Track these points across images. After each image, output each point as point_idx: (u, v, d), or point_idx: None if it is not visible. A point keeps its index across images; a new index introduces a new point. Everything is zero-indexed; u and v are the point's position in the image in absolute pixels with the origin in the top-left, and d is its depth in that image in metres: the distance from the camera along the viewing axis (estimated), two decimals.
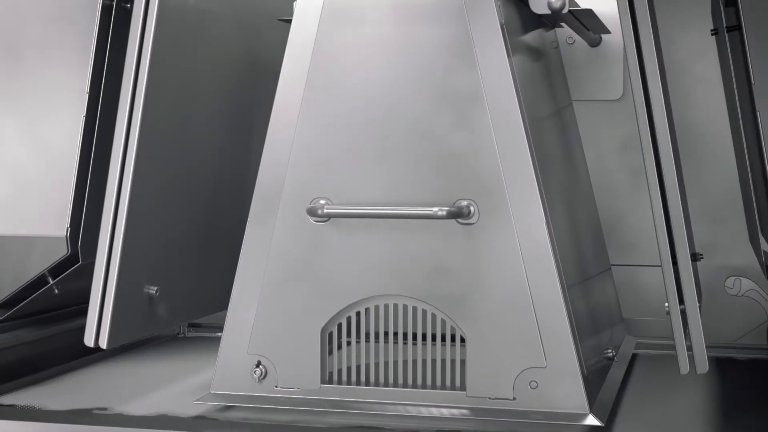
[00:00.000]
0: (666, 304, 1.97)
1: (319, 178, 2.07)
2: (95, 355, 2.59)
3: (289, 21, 2.16)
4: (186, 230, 2.33)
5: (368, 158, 2.05)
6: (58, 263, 2.27)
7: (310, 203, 2.05)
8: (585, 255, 2.42)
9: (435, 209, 1.96)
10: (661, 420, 2.16)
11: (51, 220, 2.25)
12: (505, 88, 1.99)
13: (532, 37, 2.32)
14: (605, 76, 2.90)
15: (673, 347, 2.02)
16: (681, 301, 1.92)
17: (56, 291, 2.32)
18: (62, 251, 2.25)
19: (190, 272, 2.35)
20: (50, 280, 2.30)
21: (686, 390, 2.37)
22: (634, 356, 2.75)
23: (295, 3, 2.18)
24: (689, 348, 1.98)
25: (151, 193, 2.15)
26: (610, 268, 2.78)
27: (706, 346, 2.79)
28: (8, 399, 2.30)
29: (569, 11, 2.20)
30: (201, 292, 2.40)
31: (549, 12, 2.17)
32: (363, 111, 2.05)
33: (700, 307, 1.98)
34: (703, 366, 1.92)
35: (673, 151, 2.43)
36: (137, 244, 2.10)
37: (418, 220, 2.01)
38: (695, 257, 2.73)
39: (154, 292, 2.16)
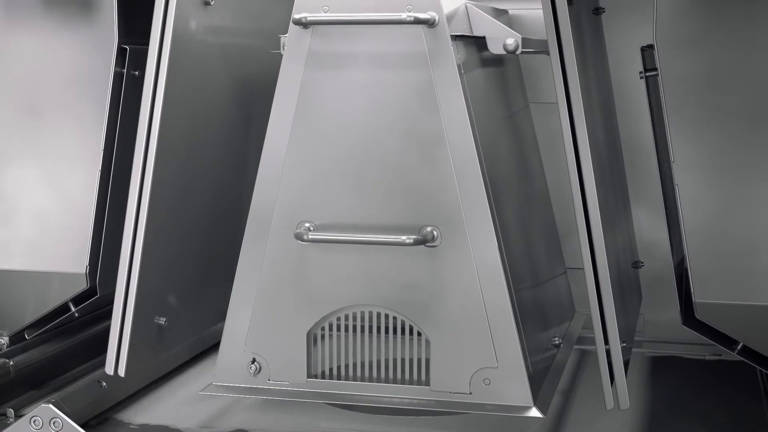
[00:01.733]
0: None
1: (304, 204, 2.39)
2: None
3: (278, 54, 2.47)
4: (189, 265, 2.66)
5: (347, 188, 2.37)
6: (78, 295, 2.62)
7: (297, 228, 2.38)
8: (537, 259, 2.76)
9: (404, 238, 2.30)
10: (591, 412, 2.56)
11: (72, 258, 2.58)
12: (463, 131, 2.30)
13: (491, 54, 2.63)
14: None
15: None
16: (606, 341, 2.24)
17: (76, 315, 2.68)
18: (82, 285, 2.59)
19: (193, 300, 2.68)
20: (72, 308, 2.65)
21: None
22: (584, 351, 3.13)
23: (282, 37, 2.48)
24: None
25: (162, 237, 2.46)
26: (563, 261, 3.13)
27: (648, 341, 3.19)
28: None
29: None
30: (202, 313, 2.74)
31: (505, 53, 2.49)
32: (343, 147, 2.36)
33: (625, 347, 2.31)
34: (624, 403, 2.24)
35: (610, 165, 2.76)
36: (149, 284, 2.41)
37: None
38: (636, 265, 3.10)
39: (163, 322, 2.50)
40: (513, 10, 3.22)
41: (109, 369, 2.41)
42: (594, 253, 2.22)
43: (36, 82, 2.59)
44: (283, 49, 2.43)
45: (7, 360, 2.64)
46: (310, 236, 2.35)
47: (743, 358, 2.35)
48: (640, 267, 3.16)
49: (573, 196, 2.23)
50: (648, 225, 3.22)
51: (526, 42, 2.53)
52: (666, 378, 2.96)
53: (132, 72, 2.58)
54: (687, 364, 3.08)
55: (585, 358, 3.14)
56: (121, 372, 2.41)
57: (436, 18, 2.28)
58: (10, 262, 2.63)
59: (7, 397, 2.66)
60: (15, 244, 2.63)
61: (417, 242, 2.31)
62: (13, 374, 2.65)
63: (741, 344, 2.33)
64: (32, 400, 2.72)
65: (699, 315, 2.29)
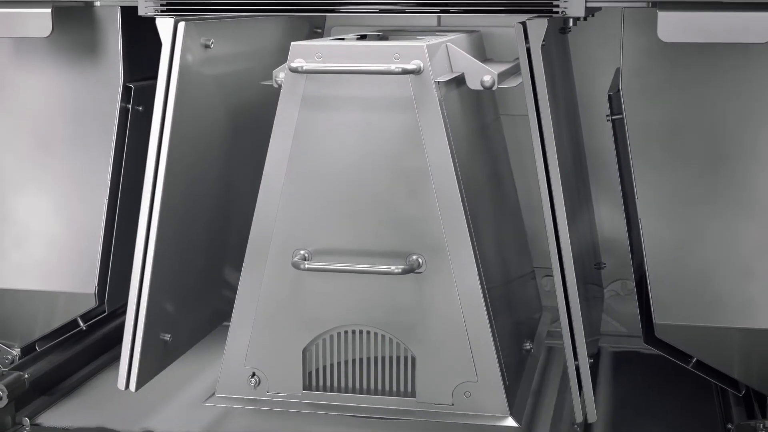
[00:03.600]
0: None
1: (299, 234, 2.59)
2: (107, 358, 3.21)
3: (270, 85, 2.67)
4: (190, 283, 2.86)
5: (340, 220, 2.58)
6: (87, 313, 2.83)
7: (293, 256, 2.59)
8: (509, 269, 3.00)
9: (393, 267, 2.52)
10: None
11: (82, 279, 2.79)
12: (445, 166, 2.51)
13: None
14: None
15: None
16: (576, 358, 2.48)
17: (84, 329, 2.89)
18: (91, 303, 2.80)
19: (192, 315, 2.89)
20: (81, 323, 2.87)
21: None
22: (550, 348, 3.38)
23: (274, 71, 2.67)
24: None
25: (168, 259, 2.65)
26: (531, 261, 3.38)
27: (609, 334, 3.45)
28: (47, 419, 2.88)
29: None
30: (199, 325, 2.95)
31: (482, 89, 2.69)
32: (335, 182, 2.56)
33: (590, 363, 2.55)
34: (592, 416, 2.48)
35: (575, 173, 2.99)
36: (157, 304, 2.61)
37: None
38: (599, 266, 3.35)
39: (168, 338, 2.71)
40: (484, 28, 3.43)
41: (120, 385, 2.62)
42: (564, 273, 2.44)
43: (47, 117, 2.77)
44: (276, 83, 2.62)
45: (21, 373, 2.85)
46: (306, 265, 2.57)
47: (696, 371, 2.61)
48: (603, 268, 3.42)
49: (545, 215, 2.46)
50: (610, 225, 3.47)
51: (501, 77, 2.74)
52: (627, 374, 3.22)
53: (136, 107, 2.76)
54: (646, 359, 3.34)
55: (552, 354, 3.39)
56: (132, 387, 2.62)
57: (422, 66, 2.48)
58: (24, 282, 2.83)
59: (21, 406, 2.87)
60: (28, 266, 2.83)
61: (405, 271, 2.53)
62: (27, 385, 2.86)
63: (695, 359, 2.59)
64: (44, 407, 2.93)
65: (658, 334, 2.54)
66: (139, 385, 2.63)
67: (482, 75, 2.68)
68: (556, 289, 2.46)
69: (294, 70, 2.51)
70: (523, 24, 2.43)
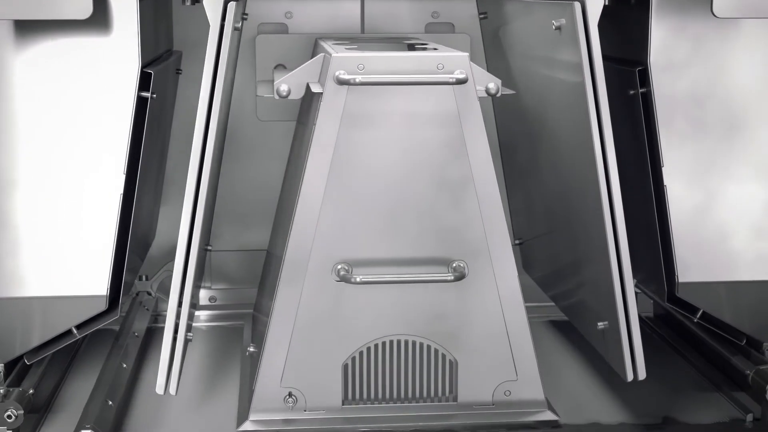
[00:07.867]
0: (599, 323, 2.70)
1: (340, 247, 2.56)
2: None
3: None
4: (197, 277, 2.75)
5: (381, 231, 2.57)
6: (99, 315, 2.64)
7: (339, 272, 2.56)
8: None
9: (447, 275, 2.56)
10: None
11: (93, 281, 2.58)
12: (487, 172, 2.56)
13: None
14: None
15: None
16: (627, 321, 2.56)
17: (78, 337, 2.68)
18: (101, 307, 2.60)
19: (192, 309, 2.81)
20: (75, 331, 2.65)
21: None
22: None
23: (276, 83, 2.59)
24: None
25: (200, 260, 2.56)
26: None
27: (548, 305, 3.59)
28: None
29: None
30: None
31: (486, 96, 2.74)
32: (377, 196, 2.55)
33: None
34: (642, 372, 2.58)
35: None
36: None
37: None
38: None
39: (190, 337, 2.61)
40: (413, 35, 3.48)
41: (160, 389, 2.51)
42: (618, 243, 2.55)
43: (54, 107, 2.55)
44: (277, 94, 2.56)
45: (24, 390, 2.60)
46: (359, 279, 2.54)
47: (703, 323, 2.82)
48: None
49: (600, 188, 2.55)
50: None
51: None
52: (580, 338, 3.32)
53: (152, 96, 2.60)
54: None
55: None
56: (172, 390, 2.51)
57: (466, 75, 2.51)
58: (29, 288, 2.59)
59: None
60: (33, 269, 2.60)
61: (457, 278, 2.57)
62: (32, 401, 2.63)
63: (701, 311, 2.79)
64: (36, 422, 2.69)
65: (680, 293, 2.74)
66: (177, 388, 2.53)
67: (487, 82, 2.73)
68: (610, 253, 2.55)
69: (344, 82, 2.46)
70: (582, 3, 2.53)
